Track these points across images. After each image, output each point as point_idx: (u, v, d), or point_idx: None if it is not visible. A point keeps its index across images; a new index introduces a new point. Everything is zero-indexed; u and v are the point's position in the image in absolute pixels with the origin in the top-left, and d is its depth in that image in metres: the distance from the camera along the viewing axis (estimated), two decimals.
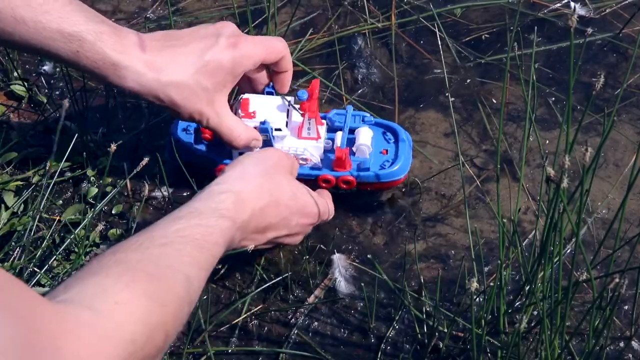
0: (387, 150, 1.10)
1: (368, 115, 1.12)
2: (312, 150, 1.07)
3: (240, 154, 1.04)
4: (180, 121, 1.10)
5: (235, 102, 1.07)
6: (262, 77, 1.07)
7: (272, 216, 0.94)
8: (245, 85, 1.08)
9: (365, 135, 1.09)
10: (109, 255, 0.74)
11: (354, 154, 1.09)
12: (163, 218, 0.84)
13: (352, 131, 1.10)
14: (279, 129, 1.05)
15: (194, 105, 0.98)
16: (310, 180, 1.06)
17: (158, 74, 0.95)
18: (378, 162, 1.09)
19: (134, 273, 0.72)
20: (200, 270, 0.80)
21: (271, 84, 1.08)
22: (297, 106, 1.06)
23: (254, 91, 1.08)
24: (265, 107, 1.05)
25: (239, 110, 1.04)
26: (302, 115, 1.05)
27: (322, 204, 1.02)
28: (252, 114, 1.04)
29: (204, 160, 1.09)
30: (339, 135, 1.08)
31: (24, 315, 0.56)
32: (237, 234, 0.88)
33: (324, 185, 1.07)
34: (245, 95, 1.06)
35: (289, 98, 1.06)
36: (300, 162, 1.06)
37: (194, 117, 0.99)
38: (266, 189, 0.93)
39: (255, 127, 1.04)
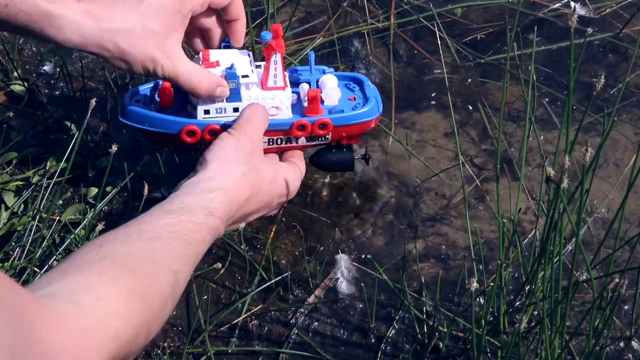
0: (354, 97, 1.07)
1: (327, 67, 1.08)
2: (282, 98, 1.02)
3: (207, 112, 1.00)
4: (132, 92, 1.05)
5: (195, 58, 1.02)
6: (216, 28, 1.02)
7: (255, 204, 0.95)
8: (198, 40, 1.04)
9: (331, 81, 1.05)
10: (95, 248, 0.74)
11: (323, 102, 1.05)
12: (152, 208, 0.84)
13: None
14: (246, 75, 1.00)
15: (143, 51, 0.92)
16: (285, 130, 1.03)
17: (99, 22, 0.90)
18: (349, 107, 1.06)
19: (119, 268, 0.72)
20: (186, 267, 0.80)
21: (227, 38, 1.03)
22: (258, 64, 1.03)
23: (209, 47, 1.03)
24: (227, 57, 1.01)
25: (201, 63, 1.00)
26: (267, 59, 0.99)
27: (296, 177, 1.02)
28: (216, 63, 1.00)
29: (163, 125, 1.02)
30: (304, 86, 1.05)
31: (10, 307, 0.56)
32: (222, 228, 0.89)
33: (299, 133, 1.03)
34: (205, 49, 1.02)
35: (247, 52, 1.03)
36: (272, 112, 1.02)
37: (147, 66, 0.94)
38: (249, 179, 0.94)
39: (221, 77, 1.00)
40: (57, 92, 1.28)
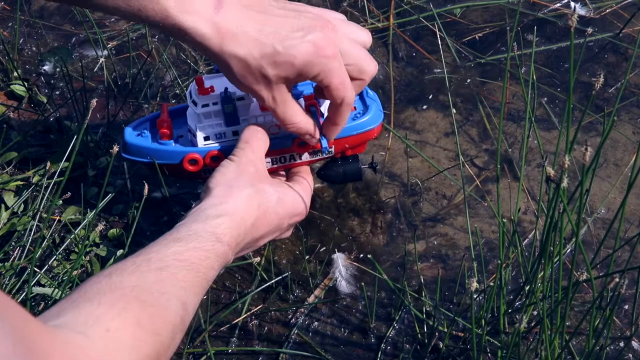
0: (354, 107, 1.06)
1: None
2: None
3: (206, 138, 0.99)
4: (132, 127, 1.05)
5: (191, 85, 1.01)
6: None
7: (264, 227, 0.93)
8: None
9: None
10: (105, 278, 0.74)
11: (323, 115, 1.03)
12: (161, 237, 0.83)
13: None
14: (242, 98, 1.00)
15: (250, 84, 0.91)
16: (287, 148, 1.02)
17: (222, 40, 0.88)
18: (350, 117, 1.04)
19: (128, 300, 0.72)
20: (195, 296, 0.79)
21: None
22: None
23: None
24: (221, 82, 1.00)
25: (195, 89, 0.99)
26: None
27: (304, 194, 1.00)
28: (210, 89, 0.99)
29: (165, 156, 1.02)
30: (302, 101, 1.02)
31: (18, 336, 0.56)
32: (231, 255, 0.88)
33: (301, 150, 1.02)
34: (198, 75, 1.01)
35: None
36: (272, 130, 1.01)
37: (248, 92, 0.93)
38: (255, 201, 0.92)
39: (215, 103, 0.99)
40: (57, 92, 1.28)
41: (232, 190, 0.91)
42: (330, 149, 1.04)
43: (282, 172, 1.05)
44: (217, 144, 1.01)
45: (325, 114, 1.02)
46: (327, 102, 1.02)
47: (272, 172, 1.03)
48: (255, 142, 0.98)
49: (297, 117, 0.96)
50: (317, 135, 0.99)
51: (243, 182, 0.92)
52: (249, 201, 0.91)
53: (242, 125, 1.00)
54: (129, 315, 0.70)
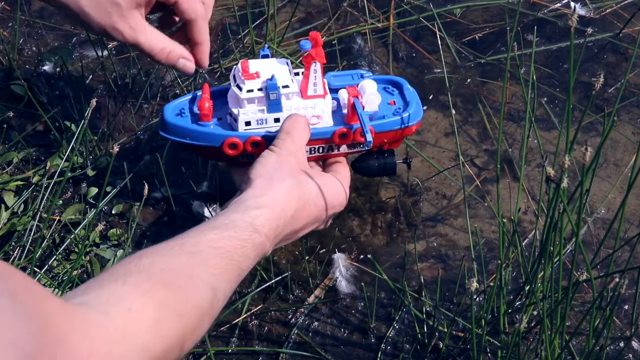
0: (394, 101, 1.06)
1: (365, 71, 1.07)
2: (323, 106, 1.01)
3: (248, 124, 1.00)
4: (172, 106, 1.05)
5: (234, 69, 1.02)
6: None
7: (304, 219, 0.93)
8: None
9: (370, 86, 1.03)
10: (134, 260, 0.74)
11: (364, 107, 1.02)
12: (199, 224, 0.84)
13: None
14: (287, 86, 0.99)
15: (104, 19, 0.94)
16: (327, 139, 1.02)
17: None
18: (390, 112, 1.05)
19: (154, 282, 0.72)
20: (228, 283, 0.79)
21: (266, 46, 1.03)
22: (296, 71, 1.02)
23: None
24: (266, 67, 1.00)
25: (240, 75, 0.99)
26: (307, 67, 0.99)
27: (344, 186, 1.00)
28: (256, 75, 0.99)
29: (205, 138, 1.02)
30: (342, 92, 1.04)
31: (37, 313, 0.56)
32: (269, 246, 0.88)
33: (341, 141, 1.02)
34: (244, 59, 1.01)
35: (286, 61, 1.02)
36: (313, 120, 1.01)
37: (107, 32, 0.96)
38: (295, 193, 0.92)
39: (260, 89, 0.98)
40: (57, 92, 1.28)
41: (272, 182, 0.92)
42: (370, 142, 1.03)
43: (319, 162, 1.05)
44: (258, 130, 1.00)
45: (366, 107, 1.02)
46: (367, 94, 1.02)
47: (309, 161, 1.03)
48: (296, 132, 0.98)
49: (163, 42, 0.98)
50: (191, 58, 1.00)
51: (284, 173, 0.93)
52: (290, 193, 0.91)
53: (284, 113, 1.00)
54: (153, 296, 0.70)
